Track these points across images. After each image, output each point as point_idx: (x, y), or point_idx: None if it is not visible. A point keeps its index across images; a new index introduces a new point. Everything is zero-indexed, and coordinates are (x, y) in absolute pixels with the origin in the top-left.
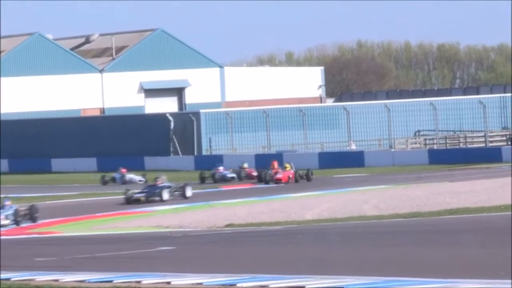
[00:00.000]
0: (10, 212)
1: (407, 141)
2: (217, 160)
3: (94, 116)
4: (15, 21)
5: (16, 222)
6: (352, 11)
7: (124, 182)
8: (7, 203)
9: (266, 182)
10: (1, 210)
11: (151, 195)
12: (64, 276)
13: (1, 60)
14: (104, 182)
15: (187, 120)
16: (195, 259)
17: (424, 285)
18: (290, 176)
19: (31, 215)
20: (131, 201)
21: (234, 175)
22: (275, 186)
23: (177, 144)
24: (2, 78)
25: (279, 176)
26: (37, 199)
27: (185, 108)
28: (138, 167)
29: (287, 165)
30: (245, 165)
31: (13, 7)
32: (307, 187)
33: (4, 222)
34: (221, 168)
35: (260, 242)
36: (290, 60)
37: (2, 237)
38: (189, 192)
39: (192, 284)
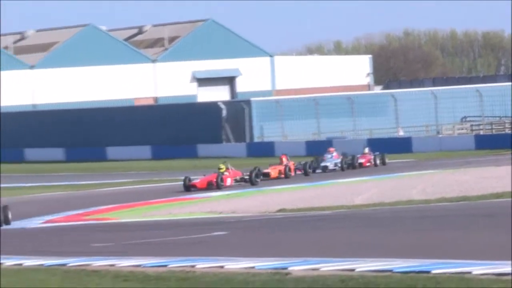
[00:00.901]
0: None
1: (453, 127)
2: (269, 147)
3: (148, 105)
4: (69, 12)
5: None
6: (399, 0)
7: None
8: None
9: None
10: None
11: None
12: (120, 261)
13: (54, 51)
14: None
15: (239, 108)
16: (247, 244)
17: (471, 267)
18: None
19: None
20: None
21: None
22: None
23: (229, 132)
24: (56, 69)
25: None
26: (94, 186)
27: (237, 97)
28: (191, 155)
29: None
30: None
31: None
32: (356, 173)
33: None
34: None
35: (311, 227)
36: (339, 49)
37: (61, 224)
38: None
39: (245, 268)
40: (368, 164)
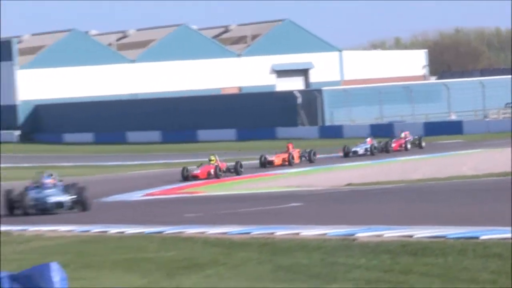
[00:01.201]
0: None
1: (499, 111)
2: (338, 129)
3: (233, 94)
4: (165, 13)
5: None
6: (451, 1)
7: None
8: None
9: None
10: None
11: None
12: (209, 229)
13: (152, 47)
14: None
15: (312, 96)
16: (319, 214)
17: None
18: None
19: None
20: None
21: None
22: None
23: (303, 117)
24: (154, 63)
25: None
26: (186, 164)
27: (310, 86)
28: (270, 137)
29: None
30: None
31: (159, 3)
32: (414, 152)
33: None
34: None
35: (375, 199)
36: (398, 44)
37: (158, 197)
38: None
39: (317, 234)
40: (399, 148)
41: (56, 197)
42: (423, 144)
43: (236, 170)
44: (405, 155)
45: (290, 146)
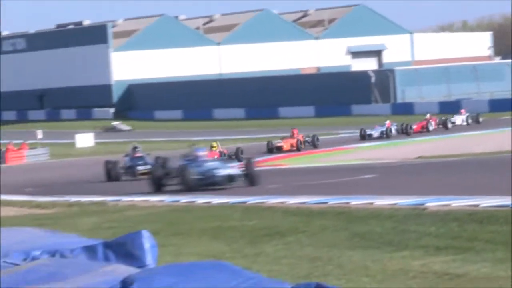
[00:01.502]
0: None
1: None
2: (409, 106)
3: (312, 74)
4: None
5: None
6: None
7: None
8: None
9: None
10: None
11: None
12: (289, 199)
13: (236, 31)
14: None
15: (385, 76)
16: (392, 185)
17: None
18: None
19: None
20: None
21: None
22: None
23: (377, 95)
24: (238, 45)
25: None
26: (268, 139)
27: (383, 66)
28: (346, 113)
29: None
30: (427, 116)
31: None
32: (478, 127)
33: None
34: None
35: (444, 171)
36: (465, 27)
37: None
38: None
39: (390, 204)
40: (421, 130)
41: (225, 170)
42: (480, 120)
43: (314, 143)
44: (469, 130)
45: (295, 132)
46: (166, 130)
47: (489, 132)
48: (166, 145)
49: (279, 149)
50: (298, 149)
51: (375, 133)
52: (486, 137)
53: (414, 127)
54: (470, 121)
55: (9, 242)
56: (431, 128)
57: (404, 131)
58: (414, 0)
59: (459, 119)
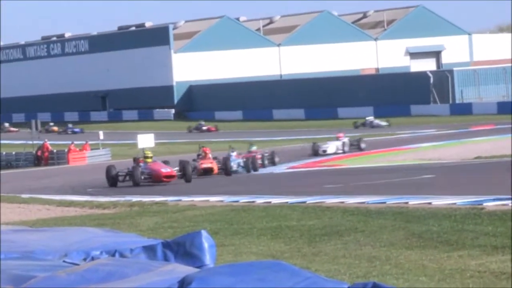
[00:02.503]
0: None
1: None
2: (467, 107)
3: (371, 74)
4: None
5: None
6: None
7: None
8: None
9: None
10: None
11: None
12: (348, 199)
13: (297, 32)
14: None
15: (443, 76)
16: (450, 184)
17: None
18: None
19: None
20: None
21: None
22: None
23: (436, 95)
24: (299, 46)
25: None
26: (328, 139)
27: (442, 67)
28: (405, 113)
29: None
30: None
31: None
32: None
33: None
34: None
35: (502, 171)
36: None
37: (301, 169)
38: None
39: (448, 203)
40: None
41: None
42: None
43: (359, 146)
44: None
45: (341, 135)
46: (226, 130)
47: None
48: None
49: (324, 152)
50: (344, 152)
51: (329, 149)
52: None
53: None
54: (346, 148)
55: (69, 242)
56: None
57: (357, 146)
58: (473, 0)
59: (332, 146)
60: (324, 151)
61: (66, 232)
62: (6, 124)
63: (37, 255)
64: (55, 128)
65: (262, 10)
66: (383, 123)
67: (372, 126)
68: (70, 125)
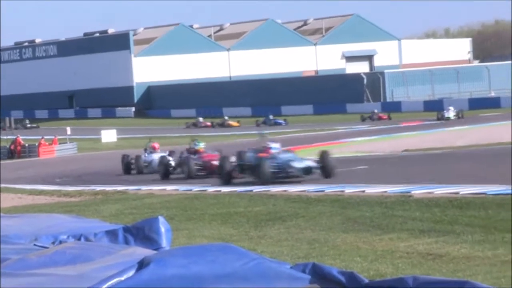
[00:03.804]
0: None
1: None
2: (397, 105)
3: (311, 76)
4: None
5: None
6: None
7: None
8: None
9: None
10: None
11: None
12: (290, 187)
13: (244, 38)
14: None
15: (375, 78)
16: (381, 175)
17: None
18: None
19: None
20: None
21: None
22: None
23: (369, 94)
24: (246, 51)
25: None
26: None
27: (374, 69)
28: (342, 111)
29: None
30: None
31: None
32: (459, 123)
33: None
34: None
35: (428, 162)
36: (447, 34)
37: None
38: None
39: (379, 192)
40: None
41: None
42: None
43: None
44: (453, 125)
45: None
46: (180, 126)
47: (469, 128)
48: (179, 140)
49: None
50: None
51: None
52: (467, 132)
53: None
54: None
55: (39, 227)
56: None
57: None
58: (402, 10)
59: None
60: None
61: (37, 218)
62: None
63: (11, 239)
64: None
65: (213, 18)
66: (281, 120)
67: (270, 124)
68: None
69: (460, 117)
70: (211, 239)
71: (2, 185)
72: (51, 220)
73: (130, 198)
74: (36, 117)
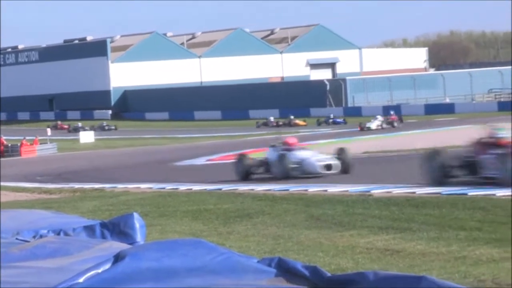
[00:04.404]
0: None
1: (483, 96)
2: (357, 109)
3: (277, 82)
4: (223, 17)
5: None
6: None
7: None
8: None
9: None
10: None
11: None
12: (257, 186)
13: (215, 46)
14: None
15: (338, 84)
16: (344, 176)
17: (495, 191)
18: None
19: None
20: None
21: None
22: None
23: (331, 99)
24: (216, 58)
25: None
26: (240, 137)
27: (336, 76)
28: (306, 115)
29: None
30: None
31: (221, 9)
32: (416, 127)
33: None
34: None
35: (386, 163)
36: (405, 43)
37: (219, 162)
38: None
39: (341, 191)
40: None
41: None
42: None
43: None
44: (409, 129)
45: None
46: (154, 128)
47: (425, 131)
48: (153, 141)
49: None
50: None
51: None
52: (423, 136)
53: None
54: None
55: (21, 222)
56: None
57: None
58: (363, 21)
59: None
60: None
61: (19, 214)
62: None
63: None
64: None
65: (185, 27)
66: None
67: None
68: None
69: (395, 126)
70: (183, 234)
71: None
72: (32, 215)
73: (107, 195)
74: (18, 118)
